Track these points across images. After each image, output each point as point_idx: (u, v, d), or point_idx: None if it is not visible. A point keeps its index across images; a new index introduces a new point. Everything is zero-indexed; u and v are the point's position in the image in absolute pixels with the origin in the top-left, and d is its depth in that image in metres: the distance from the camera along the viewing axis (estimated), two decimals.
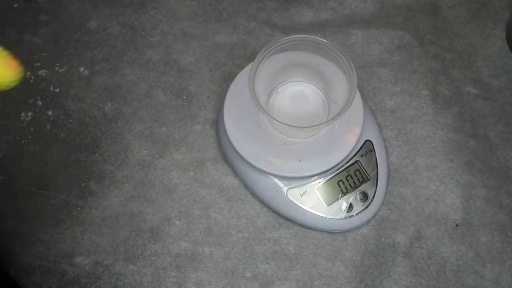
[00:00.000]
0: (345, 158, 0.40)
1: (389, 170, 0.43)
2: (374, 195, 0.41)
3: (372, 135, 0.42)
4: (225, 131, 0.41)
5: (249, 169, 0.41)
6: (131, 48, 0.48)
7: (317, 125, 0.37)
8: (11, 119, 0.45)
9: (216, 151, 0.45)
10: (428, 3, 0.51)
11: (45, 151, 0.44)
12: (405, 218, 0.42)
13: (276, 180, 0.41)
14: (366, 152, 0.42)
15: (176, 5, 0.50)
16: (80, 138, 0.45)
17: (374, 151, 0.42)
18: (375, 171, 0.42)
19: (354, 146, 0.40)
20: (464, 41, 0.49)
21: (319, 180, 0.41)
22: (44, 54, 0.48)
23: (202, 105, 0.46)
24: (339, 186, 0.41)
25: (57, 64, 0.47)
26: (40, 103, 0.46)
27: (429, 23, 0.50)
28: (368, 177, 0.41)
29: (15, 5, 0.50)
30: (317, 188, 0.40)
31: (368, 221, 0.42)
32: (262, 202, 0.42)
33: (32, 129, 0.45)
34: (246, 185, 0.43)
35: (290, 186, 0.40)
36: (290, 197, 0.40)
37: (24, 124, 0.45)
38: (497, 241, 0.41)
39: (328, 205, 0.40)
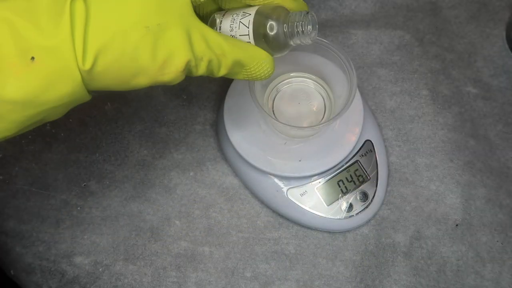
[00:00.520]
0: (345, 158, 0.40)
1: (389, 170, 0.43)
2: (374, 195, 0.41)
3: (372, 135, 0.42)
4: (225, 131, 0.41)
5: (249, 169, 0.41)
6: None
7: (317, 125, 0.37)
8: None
9: (216, 151, 0.45)
10: (428, 3, 0.51)
11: (45, 151, 0.44)
12: (405, 218, 0.42)
13: (276, 180, 0.41)
14: (366, 152, 0.42)
15: None
16: (80, 138, 0.45)
17: (374, 151, 0.42)
18: (375, 171, 0.42)
19: (354, 146, 0.40)
20: (464, 41, 0.49)
21: (319, 180, 0.41)
22: None
23: (202, 105, 0.46)
24: (339, 186, 0.41)
25: None
26: None
27: (429, 23, 0.50)
28: (368, 177, 0.41)
29: None
30: (317, 188, 0.40)
31: (368, 221, 0.42)
32: (262, 202, 0.42)
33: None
34: (246, 185, 0.43)
35: (290, 186, 0.40)
36: (290, 197, 0.40)
37: None
38: (497, 241, 0.41)
39: (328, 205, 0.40)
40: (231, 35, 0.29)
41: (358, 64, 0.48)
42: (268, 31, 0.29)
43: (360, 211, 0.41)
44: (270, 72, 0.30)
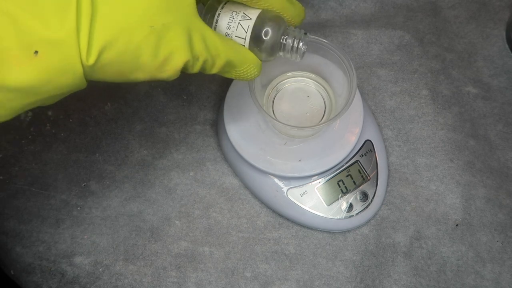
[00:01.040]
0: (345, 158, 0.40)
1: (389, 170, 0.43)
2: (374, 195, 0.41)
3: (372, 135, 0.42)
4: (225, 131, 0.41)
5: (249, 169, 0.41)
6: None
7: (317, 125, 0.37)
8: (11, 119, 0.45)
9: (216, 151, 0.45)
10: (428, 3, 0.51)
11: (45, 151, 0.44)
12: (405, 218, 0.42)
13: (276, 180, 0.41)
14: (366, 152, 0.42)
15: None
16: (80, 138, 0.45)
17: (374, 151, 0.42)
18: (375, 171, 0.42)
19: (354, 146, 0.40)
20: (464, 41, 0.49)
21: (319, 180, 0.41)
22: None
23: (202, 105, 0.46)
24: (339, 186, 0.41)
25: None
26: None
27: (429, 23, 0.50)
28: (368, 177, 0.41)
29: None
30: (317, 188, 0.40)
31: (368, 221, 0.42)
32: (262, 202, 0.42)
33: (32, 129, 0.45)
34: (246, 185, 0.43)
35: (290, 186, 0.40)
36: (290, 197, 0.40)
37: (24, 124, 0.45)
38: (497, 241, 0.41)
39: (328, 205, 0.40)
40: (226, 33, 0.30)
41: (358, 64, 0.48)
42: (266, 40, 0.30)
43: (360, 211, 0.41)
44: (256, 75, 0.32)
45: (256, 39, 0.30)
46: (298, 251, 0.41)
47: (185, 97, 0.47)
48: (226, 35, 0.30)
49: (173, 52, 0.26)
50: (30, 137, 0.45)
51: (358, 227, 0.42)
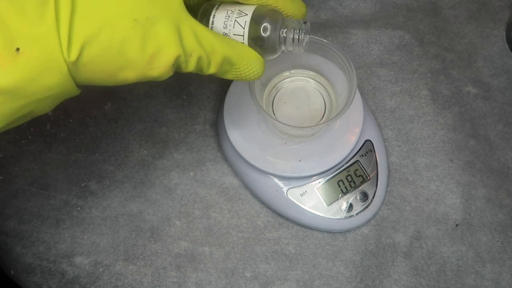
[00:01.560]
0: (345, 158, 0.40)
1: (389, 170, 0.43)
2: (374, 195, 0.41)
3: (372, 135, 0.42)
4: (225, 131, 0.41)
5: (249, 169, 0.41)
6: None
7: (317, 125, 0.37)
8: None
9: (216, 151, 0.45)
10: (428, 3, 0.51)
11: (45, 151, 0.44)
12: (405, 218, 0.42)
13: (276, 180, 0.41)
14: (366, 152, 0.42)
15: None
16: (80, 138, 0.45)
17: (374, 151, 0.42)
18: (375, 171, 0.42)
19: (354, 146, 0.40)
20: (464, 41, 0.49)
21: (319, 180, 0.41)
22: None
23: (202, 105, 0.46)
24: (339, 186, 0.41)
25: None
26: None
27: (429, 23, 0.50)
28: (368, 177, 0.41)
29: None
30: (317, 188, 0.40)
31: (368, 221, 0.42)
32: (262, 202, 0.42)
33: (32, 129, 0.45)
34: (246, 185, 0.43)
35: (290, 186, 0.40)
36: (290, 197, 0.40)
37: (24, 124, 0.45)
38: (497, 241, 0.41)
39: (328, 205, 0.40)
40: (224, 32, 0.29)
41: (358, 64, 0.48)
42: (264, 35, 0.29)
43: (360, 211, 0.41)
44: (259, 73, 0.30)
45: (255, 35, 0.29)
46: (298, 251, 0.41)
47: (185, 97, 0.47)
48: (224, 35, 0.29)
49: (162, 46, 0.25)
50: (30, 137, 0.45)
51: (358, 227, 0.42)
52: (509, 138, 0.45)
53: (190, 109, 0.46)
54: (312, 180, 0.41)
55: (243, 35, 0.29)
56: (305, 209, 0.40)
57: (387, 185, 0.43)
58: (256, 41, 0.29)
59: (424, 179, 0.43)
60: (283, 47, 0.31)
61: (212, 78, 0.47)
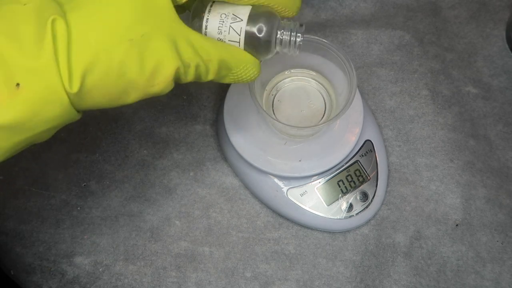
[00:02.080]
0: (345, 158, 0.40)
1: (389, 170, 0.43)
2: (374, 195, 0.41)
3: (372, 135, 0.42)
4: (225, 131, 0.41)
5: (249, 169, 0.41)
6: None
7: (317, 125, 0.37)
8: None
9: (216, 151, 0.45)
10: (428, 3, 0.51)
11: (45, 151, 0.44)
12: (405, 218, 0.42)
13: (276, 180, 0.41)
14: (366, 152, 0.42)
15: None
16: (80, 138, 0.45)
17: (374, 151, 0.42)
18: (375, 171, 0.42)
19: (354, 146, 0.40)
20: (464, 41, 0.49)
21: (319, 180, 0.41)
22: None
23: (202, 105, 0.46)
24: (339, 186, 0.41)
25: None
26: None
27: (429, 23, 0.50)
28: (368, 177, 0.41)
29: None
30: (317, 188, 0.40)
31: (368, 221, 0.42)
32: (262, 202, 0.42)
33: None
34: (246, 185, 0.43)
35: (290, 186, 0.40)
36: (290, 197, 0.40)
37: None
38: (497, 241, 0.41)
39: (328, 205, 0.40)
40: (218, 38, 0.29)
41: (358, 64, 0.48)
42: (260, 38, 0.29)
43: (360, 211, 0.41)
44: (256, 75, 0.30)
45: (250, 40, 0.29)
46: (298, 251, 0.41)
47: (185, 97, 0.47)
48: (219, 40, 0.29)
49: (160, 62, 0.24)
50: None
51: (358, 227, 0.42)
52: (509, 138, 0.45)
53: (190, 109, 0.46)
54: (312, 180, 0.41)
55: (238, 42, 0.29)
56: (305, 209, 0.40)
57: (387, 185, 0.43)
58: (252, 45, 0.29)
59: (424, 179, 0.43)
60: (277, 49, 0.31)
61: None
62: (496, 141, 0.45)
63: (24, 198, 0.43)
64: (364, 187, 0.41)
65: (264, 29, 0.29)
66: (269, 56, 0.31)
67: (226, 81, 0.29)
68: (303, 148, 0.40)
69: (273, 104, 0.41)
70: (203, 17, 0.29)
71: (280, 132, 0.41)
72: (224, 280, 0.40)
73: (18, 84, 0.21)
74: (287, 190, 0.40)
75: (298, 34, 0.30)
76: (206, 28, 0.29)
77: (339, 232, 0.42)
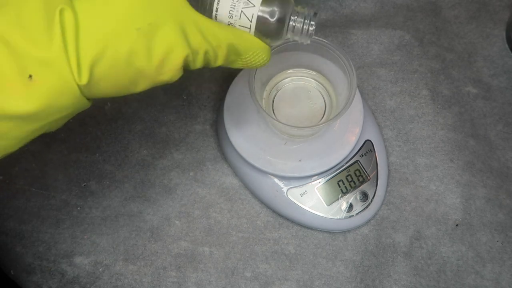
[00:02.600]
0: (345, 158, 0.40)
1: (389, 170, 0.43)
2: (374, 195, 0.41)
3: (372, 135, 0.42)
4: (225, 131, 0.41)
5: (249, 169, 0.41)
6: None
7: (317, 125, 0.37)
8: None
9: (216, 151, 0.45)
10: (428, 3, 0.51)
11: (45, 151, 0.44)
12: (405, 218, 0.42)
13: (276, 180, 0.41)
14: (366, 152, 0.42)
15: None
16: (80, 138, 0.45)
17: (374, 151, 0.42)
18: (375, 171, 0.42)
19: (354, 146, 0.40)
20: (464, 41, 0.49)
21: (319, 180, 0.41)
22: None
23: (202, 105, 0.46)
24: (339, 186, 0.41)
25: None
26: None
27: (429, 23, 0.50)
28: (368, 177, 0.41)
29: None
30: (317, 188, 0.40)
31: (368, 221, 0.42)
32: (262, 202, 0.42)
33: None
34: (246, 185, 0.43)
35: (290, 186, 0.40)
36: (290, 197, 0.40)
37: None
38: (497, 241, 0.41)
39: (328, 205, 0.40)
40: (229, 22, 0.28)
41: (358, 64, 0.48)
42: (272, 27, 0.28)
43: (360, 211, 0.41)
44: (266, 61, 0.29)
45: (262, 26, 0.28)
46: (298, 251, 0.41)
47: (185, 97, 0.47)
48: (229, 24, 0.28)
49: (169, 50, 0.24)
50: None
51: (358, 227, 0.42)
52: (509, 138, 0.45)
53: (190, 109, 0.46)
54: (312, 180, 0.41)
55: (249, 28, 0.28)
56: (305, 209, 0.40)
57: (387, 185, 0.43)
58: (263, 30, 0.28)
59: (424, 179, 0.43)
60: (288, 36, 0.30)
61: (212, 78, 0.47)
62: (496, 141, 0.45)
63: (24, 198, 0.43)
64: (364, 187, 0.41)
65: (277, 15, 0.28)
66: (279, 42, 0.30)
67: (235, 66, 0.29)
68: (303, 148, 0.40)
69: (273, 104, 0.41)
70: (214, 0, 0.28)
71: (280, 132, 0.41)
72: (224, 280, 0.40)
73: (30, 76, 0.21)
74: (287, 190, 0.40)
75: (311, 23, 0.29)
76: (216, 11, 0.28)
77: (339, 232, 0.42)
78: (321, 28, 0.50)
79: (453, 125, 0.45)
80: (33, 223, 0.42)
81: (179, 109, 0.46)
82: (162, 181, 0.44)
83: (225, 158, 0.44)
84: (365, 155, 0.42)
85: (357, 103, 0.41)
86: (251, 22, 0.28)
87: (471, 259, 0.41)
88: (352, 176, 0.41)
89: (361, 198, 0.41)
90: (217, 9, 0.28)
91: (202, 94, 0.47)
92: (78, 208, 0.43)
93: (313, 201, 0.40)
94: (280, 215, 0.42)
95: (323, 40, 0.37)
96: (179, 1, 0.25)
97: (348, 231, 0.42)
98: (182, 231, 0.42)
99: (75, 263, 0.41)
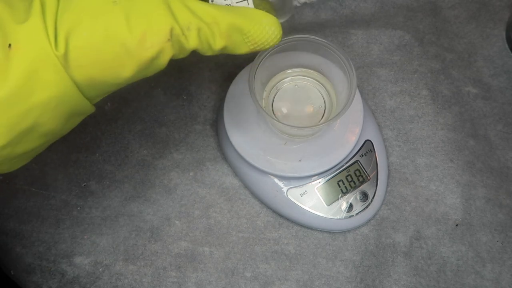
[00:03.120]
0: (345, 158, 0.40)
1: (389, 170, 0.43)
2: (374, 195, 0.41)
3: (372, 135, 0.42)
4: (225, 131, 0.41)
5: (249, 169, 0.41)
6: None
7: (317, 125, 0.37)
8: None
9: (216, 151, 0.45)
10: (428, 3, 0.51)
11: (45, 151, 0.44)
12: (405, 218, 0.42)
13: (276, 180, 0.41)
14: (366, 152, 0.42)
15: None
16: (80, 138, 0.45)
17: (374, 151, 0.42)
18: (375, 171, 0.42)
19: (354, 146, 0.40)
20: (464, 41, 0.49)
21: (319, 180, 0.41)
22: None
23: (202, 105, 0.46)
24: (339, 186, 0.41)
25: None
26: None
27: (429, 23, 0.50)
28: (368, 177, 0.41)
29: None
30: (317, 188, 0.40)
31: (368, 221, 0.42)
32: (262, 202, 0.42)
33: None
34: (246, 185, 0.43)
35: (290, 186, 0.40)
36: (290, 197, 0.40)
37: None
38: (497, 241, 0.41)
39: (328, 205, 0.40)
40: (226, 4, 0.26)
41: (358, 64, 0.48)
42: None
43: (360, 211, 0.41)
44: (277, 35, 0.26)
45: None
46: (298, 251, 0.41)
47: (185, 97, 0.47)
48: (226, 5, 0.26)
49: (150, 22, 0.23)
50: None
51: (358, 227, 0.42)
52: (509, 138, 0.45)
53: (190, 109, 0.46)
54: (312, 180, 0.41)
55: (247, 1, 0.26)
56: (305, 209, 0.40)
57: (387, 185, 0.43)
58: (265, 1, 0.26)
59: (424, 179, 0.43)
60: (295, 2, 0.27)
61: (212, 78, 0.47)
62: (496, 141, 0.45)
63: (24, 198, 0.43)
64: (364, 187, 0.41)
65: None
66: (287, 14, 0.27)
67: (243, 49, 0.26)
68: (303, 148, 0.40)
69: (273, 104, 0.41)
70: None
71: (280, 132, 0.41)
72: (224, 280, 0.40)
73: (10, 45, 0.21)
74: (287, 190, 0.40)
75: None
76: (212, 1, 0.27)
77: (339, 232, 0.42)
78: (321, 28, 0.50)
79: (453, 125, 0.45)
80: (33, 223, 0.42)
81: (179, 109, 0.46)
82: (162, 181, 0.44)
83: (225, 158, 0.44)
84: (365, 155, 0.42)
85: (357, 103, 0.41)
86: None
87: (471, 259, 0.41)
88: (352, 176, 0.41)
89: (361, 198, 0.41)
90: None
91: (202, 94, 0.47)
92: (78, 208, 0.43)
93: (313, 201, 0.40)
94: (280, 215, 0.42)
95: (323, 40, 0.37)
96: None
97: (348, 231, 0.42)
98: (182, 231, 0.42)
99: (75, 263, 0.41)
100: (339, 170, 0.41)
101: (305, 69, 0.42)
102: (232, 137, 0.40)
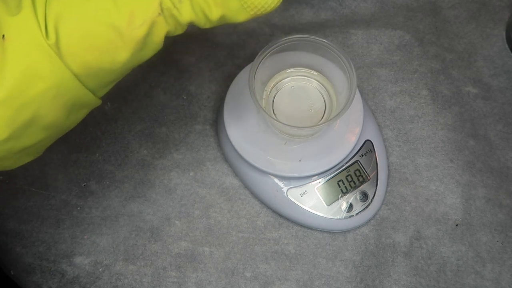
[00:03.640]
0: (345, 158, 0.40)
1: (389, 170, 0.43)
2: (374, 195, 0.41)
3: (372, 135, 0.42)
4: (225, 131, 0.41)
5: (249, 169, 0.41)
6: None
7: (317, 125, 0.37)
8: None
9: (216, 151, 0.45)
10: (428, 3, 0.51)
11: (45, 151, 0.44)
12: (405, 218, 0.42)
13: (276, 180, 0.41)
14: (366, 152, 0.42)
15: None
16: (80, 138, 0.45)
17: (374, 151, 0.42)
18: (375, 171, 0.42)
19: (354, 146, 0.40)
20: (464, 41, 0.49)
21: (319, 180, 0.41)
22: None
23: (202, 105, 0.46)
24: (339, 186, 0.41)
25: None
26: None
27: (429, 23, 0.50)
28: (368, 177, 0.41)
29: None
30: (317, 188, 0.40)
31: (368, 221, 0.42)
32: (262, 202, 0.42)
33: None
34: (246, 185, 0.43)
35: (290, 186, 0.40)
36: (290, 197, 0.40)
37: None
38: (497, 241, 0.41)
39: (328, 205, 0.40)
40: None
41: (358, 64, 0.48)
42: None
43: (360, 211, 0.41)
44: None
45: None
46: (298, 251, 0.41)
47: (185, 97, 0.47)
48: None
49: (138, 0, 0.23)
50: None
51: (358, 227, 0.42)
52: (509, 138, 0.45)
53: (190, 109, 0.46)
54: (312, 180, 0.41)
55: None
56: (305, 209, 0.40)
57: (387, 185, 0.43)
58: None
59: (424, 179, 0.43)
60: None
61: (212, 78, 0.47)
62: (496, 141, 0.45)
63: (24, 198, 0.43)
64: (364, 187, 0.41)
65: None
66: None
67: (243, 17, 0.24)
68: (303, 148, 0.40)
69: (273, 104, 0.41)
70: None
71: (280, 132, 0.41)
72: (224, 280, 0.40)
73: (3, 36, 0.22)
74: (287, 190, 0.40)
75: None
76: None
77: (339, 232, 0.42)
78: (321, 28, 0.50)
79: (453, 125, 0.45)
80: (33, 223, 0.42)
81: (179, 109, 0.46)
82: (162, 181, 0.44)
83: (225, 158, 0.44)
84: (365, 155, 0.42)
85: (357, 103, 0.41)
86: None
87: (471, 259, 0.41)
88: (352, 176, 0.41)
89: (361, 198, 0.41)
90: None
91: (202, 94, 0.47)
92: (78, 208, 0.43)
93: (313, 201, 0.40)
94: (280, 215, 0.42)
95: (323, 40, 0.37)
96: None
97: (348, 231, 0.42)
98: (182, 231, 0.42)
99: (75, 263, 0.41)
100: (339, 170, 0.41)
101: (305, 69, 0.42)
102: (232, 137, 0.40)
